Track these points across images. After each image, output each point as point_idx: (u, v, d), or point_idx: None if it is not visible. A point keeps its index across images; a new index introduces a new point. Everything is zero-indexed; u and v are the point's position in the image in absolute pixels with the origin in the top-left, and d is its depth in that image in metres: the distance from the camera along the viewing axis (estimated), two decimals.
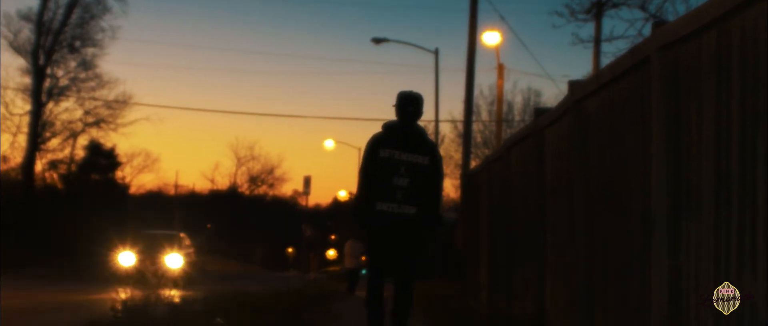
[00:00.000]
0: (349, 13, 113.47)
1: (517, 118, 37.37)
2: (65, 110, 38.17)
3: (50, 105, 37.21)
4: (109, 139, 39.99)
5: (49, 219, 32.78)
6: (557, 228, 7.11)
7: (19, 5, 45.90)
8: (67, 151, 39.04)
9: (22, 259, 26.61)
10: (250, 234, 70.32)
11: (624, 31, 18.67)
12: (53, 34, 36.43)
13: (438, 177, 6.68)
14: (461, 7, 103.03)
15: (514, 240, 9.31)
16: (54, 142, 38.31)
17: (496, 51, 28.46)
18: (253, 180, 76.22)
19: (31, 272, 24.98)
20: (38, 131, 36.32)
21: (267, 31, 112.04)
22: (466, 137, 24.77)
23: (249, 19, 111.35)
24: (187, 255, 25.74)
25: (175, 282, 20.68)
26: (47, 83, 36.76)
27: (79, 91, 38.19)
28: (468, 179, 17.96)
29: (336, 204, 73.73)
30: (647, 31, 11.55)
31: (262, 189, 77.69)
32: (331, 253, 68.86)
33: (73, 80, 37.98)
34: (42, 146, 37.34)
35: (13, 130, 36.41)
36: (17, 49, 36.34)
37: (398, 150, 6.54)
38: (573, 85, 6.55)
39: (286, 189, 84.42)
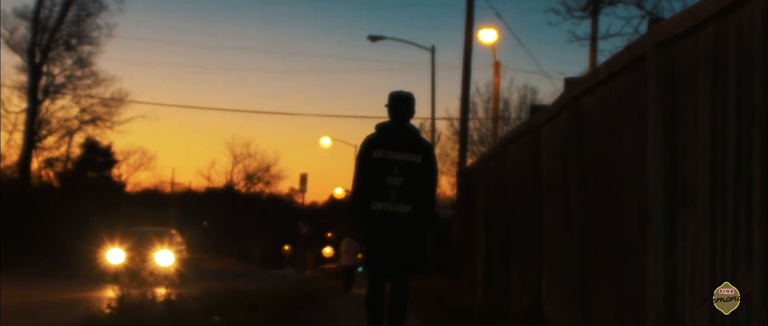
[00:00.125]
0: (346, 11, 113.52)
1: (513, 115, 37.36)
2: (61, 108, 38.08)
3: (46, 103, 37.11)
4: (105, 136, 39.92)
5: (45, 217, 32.74)
6: (554, 224, 7.12)
7: (15, 3, 46.02)
8: (63, 149, 38.97)
9: (17, 257, 26.56)
10: (247, 232, 70.24)
11: (620, 29, 18.73)
12: (49, 31, 36.33)
13: (432, 175, 6.69)
14: (458, 4, 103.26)
15: (510, 237, 9.32)
16: (50, 140, 38.24)
17: (493, 48, 28.47)
18: (250, 177, 76.13)
19: (26, 270, 24.92)
20: (34, 129, 36.21)
21: (263, 28, 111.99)
22: (462, 134, 24.77)
23: (245, 16, 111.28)
24: (178, 252, 24.94)
25: (170, 279, 20.47)
26: (43, 81, 36.66)
27: (75, 88, 38.11)
28: (464, 176, 17.94)
29: (332, 201, 73.69)
30: (643, 28, 11.56)
31: (259, 187, 77.61)
32: (328, 251, 68.76)
33: (69, 78, 37.88)
34: (38, 144, 37.24)
35: (9, 127, 36.34)
36: (13, 47, 36.25)
37: (391, 150, 6.55)
38: (569, 83, 6.56)
39: (283, 187, 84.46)
